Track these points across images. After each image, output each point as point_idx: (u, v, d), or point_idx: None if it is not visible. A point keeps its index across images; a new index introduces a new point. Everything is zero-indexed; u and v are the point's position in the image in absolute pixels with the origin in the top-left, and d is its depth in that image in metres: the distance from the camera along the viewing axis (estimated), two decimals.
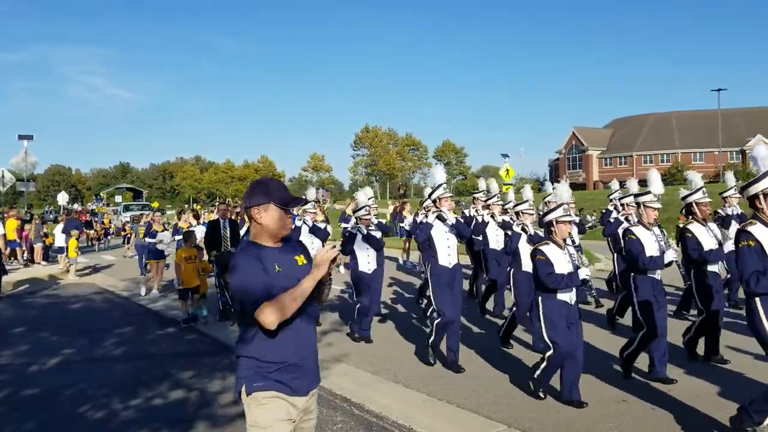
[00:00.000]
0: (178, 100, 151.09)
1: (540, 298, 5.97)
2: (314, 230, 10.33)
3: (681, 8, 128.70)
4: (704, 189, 7.47)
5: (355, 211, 9.55)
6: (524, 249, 8.10)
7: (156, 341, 9.34)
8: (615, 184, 11.99)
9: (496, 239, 10.57)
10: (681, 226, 7.49)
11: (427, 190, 12.02)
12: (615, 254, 9.75)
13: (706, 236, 7.15)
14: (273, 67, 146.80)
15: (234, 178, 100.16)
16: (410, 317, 10.72)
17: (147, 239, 14.91)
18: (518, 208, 8.69)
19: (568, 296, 5.93)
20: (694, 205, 7.33)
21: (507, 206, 10.96)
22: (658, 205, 6.74)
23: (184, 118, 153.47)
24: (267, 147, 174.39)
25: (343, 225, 17.03)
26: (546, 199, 10.72)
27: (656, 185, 7.27)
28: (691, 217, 7.38)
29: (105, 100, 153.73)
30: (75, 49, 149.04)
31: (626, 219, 9.31)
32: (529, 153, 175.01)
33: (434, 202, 7.64)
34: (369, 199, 9.61)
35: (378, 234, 9.17)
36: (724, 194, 9.82)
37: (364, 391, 6.57)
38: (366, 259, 8.96)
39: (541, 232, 8.07)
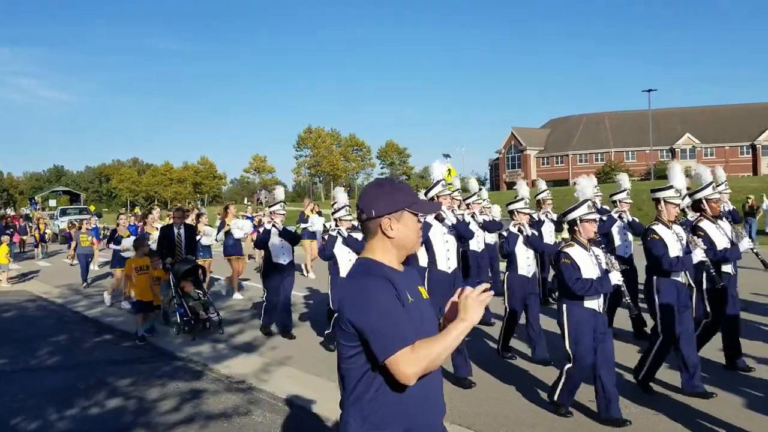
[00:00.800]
0: (113, 102, 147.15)
1: (565, 305, 5.42)
2: (284, 234, 9.45)
3: (615, 9, 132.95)
4: (714, 185, 6.98)
5: (334, 212, 8.82)
6: (520, 251, 7.61)
7: (92, 349, 9.10)
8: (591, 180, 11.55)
9: (476, 241, 9.80)
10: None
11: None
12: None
13: (718, 234, 6.61)
14: (211, 68, 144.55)
15: (173, 180, 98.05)
16: None
17: (111, 245, 13.86)
18: (513, 206, 7.92)
19: (596, 303, 5.37)
20: (703, 201, 6.79)
21: (482, 203, 10.55)
22: (679, 201, 6.23)
23: (119, 119, 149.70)
24: (207, 148, 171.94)
25: (303, 225, 16.72)
26: (538, 197, 10.43)
27: (679, 180, 6.55)
28: (700, 214, 6.85)
29: (38, 101, 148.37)
30: (3, 49, 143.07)
31: (620, 217, 8.75)
32: (470, 153, 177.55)
33: (431, 200, 6.92)
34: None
35: (359, 236, 8.26)
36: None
37: (311, 394, 6.54)
38: (348, 264, 8.16)
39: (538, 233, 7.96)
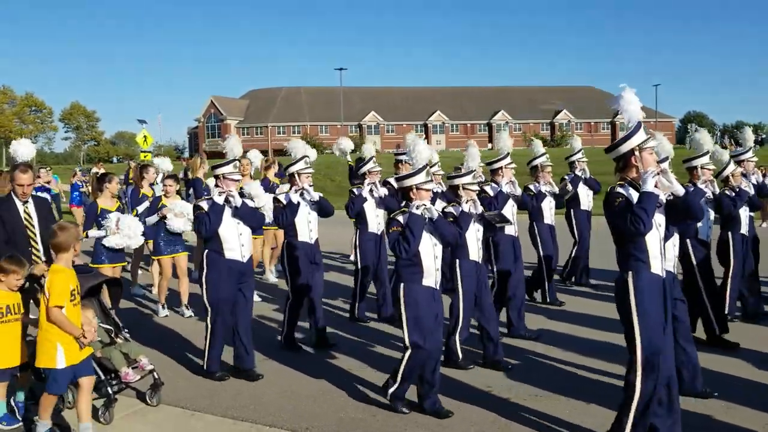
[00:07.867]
0: None
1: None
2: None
3: None
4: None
5: (291, 168, 7.28)
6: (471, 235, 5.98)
7: None
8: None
9: (376, 221, 7.94)
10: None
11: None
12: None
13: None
14: None
15: None
16: None
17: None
18: (459, 181, 5.98)
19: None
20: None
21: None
22: (713, 167, 6.61)
23: None
24: None
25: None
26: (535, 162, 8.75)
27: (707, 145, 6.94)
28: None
29: None
30: None
31: (575, 176, 9.15)
32: (168, 120, 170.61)
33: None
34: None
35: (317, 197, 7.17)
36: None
37: None
38: (308, 227, 7.00)
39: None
